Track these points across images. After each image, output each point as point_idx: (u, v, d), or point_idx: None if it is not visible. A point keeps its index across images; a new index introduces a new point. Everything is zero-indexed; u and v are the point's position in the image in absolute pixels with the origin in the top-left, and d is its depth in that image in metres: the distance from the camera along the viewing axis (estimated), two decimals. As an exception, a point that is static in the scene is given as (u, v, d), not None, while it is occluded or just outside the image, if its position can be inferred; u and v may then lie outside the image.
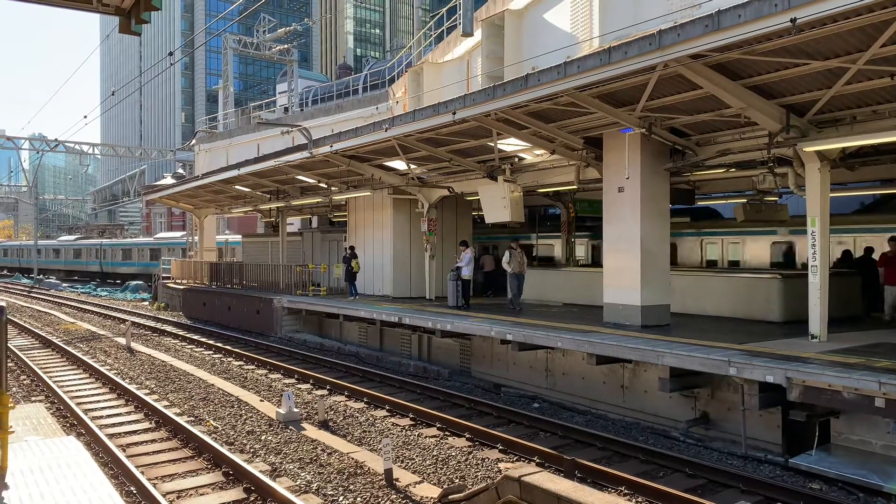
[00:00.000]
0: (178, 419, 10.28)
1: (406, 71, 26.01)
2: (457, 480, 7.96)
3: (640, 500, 7.37)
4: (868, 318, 13.61)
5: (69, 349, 17.62)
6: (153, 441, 9.64)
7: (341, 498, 7.44)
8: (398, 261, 20.03)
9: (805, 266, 11.77)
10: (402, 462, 8.66)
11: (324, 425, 10.42)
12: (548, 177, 15.67)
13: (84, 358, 16.14)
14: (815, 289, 10.06)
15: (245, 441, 9.62)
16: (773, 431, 9.18)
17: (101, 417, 10.89)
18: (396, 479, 7.87)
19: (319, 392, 13.05)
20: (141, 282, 43.40)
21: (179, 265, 32.96)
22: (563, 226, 21.28)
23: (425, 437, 9.93)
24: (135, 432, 10.09)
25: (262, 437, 9.79)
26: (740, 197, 16.96)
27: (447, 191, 18.33)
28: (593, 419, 11.08)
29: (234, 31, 72.59)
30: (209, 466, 8.48)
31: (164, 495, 7.32)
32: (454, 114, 12.38)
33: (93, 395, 12.71)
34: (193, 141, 46.09)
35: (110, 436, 9.60)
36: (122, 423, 10.58)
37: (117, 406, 11.82)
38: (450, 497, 6.81)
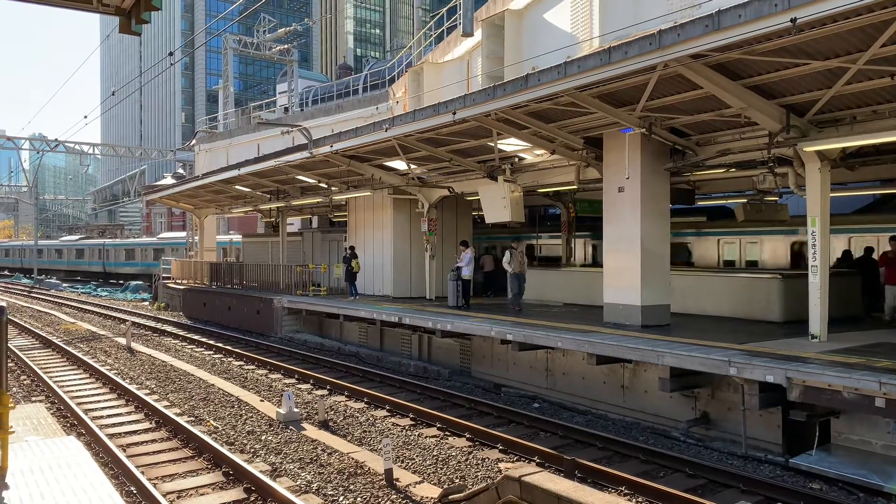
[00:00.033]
0: (178, 419, 10.28)
1: (406, 71, 26.01)
2: (457, 480, 7.96)
3: (640, 500, 7.37)
4: (868, 317, 13.61)
5: (69, 349, 17.62)
6: (153, 441, 9.64)
7: (341, 498, 7.44)
8: (398, 261, 20.03)
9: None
10: (403, 462, 8.67)
11: (324, 425, 10.42)
12: (548, 177, 15.68)
13: (84, 358, 16.15)
14: (815, 289, 10.06)
15: (245, 441, 9.62)
16: (773, 431, 9.18)
17: (101, 417, 10.90)
18: (397, 479, 7.87)
19: (320, 392, 13.06)
20: (141, 282, 43.39)
21: (179, 265, 32.97)
22: (564, 226, 21.28)
23: (425, 437, 9.93)
24: (135, 432, 10.09)
25: (263, 437, 9.79)
26: (740, 197, 16.96)
27: (447, 191, 18.33)
28: (593, 419, 11.08)
29: (235, 31, 72.58)
30: (209, 466, 8.48)
31: (164, 495, 7.32)
32: (454, 114, 12.38)
33: (93, 395, 12.71)
34: (193, 141, 46.08)
35: (110, 436, 9.60)
36: (122, 423, 10.58)
37: (117, 406, 11.83)
38: (450, 497, 6.81)
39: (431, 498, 7.31)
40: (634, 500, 7.37)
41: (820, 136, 10.19)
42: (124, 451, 8.90)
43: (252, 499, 7.40)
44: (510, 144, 14.67)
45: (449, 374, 14.81)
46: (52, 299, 36.53)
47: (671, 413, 10.55)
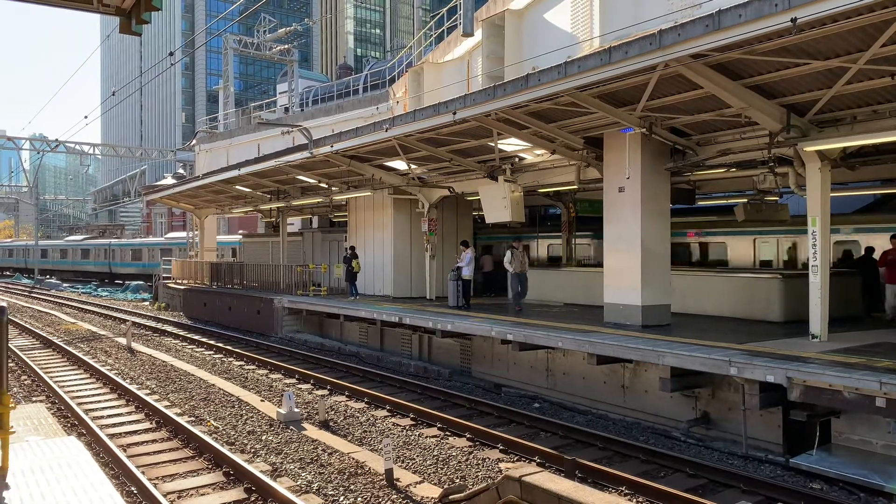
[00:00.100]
0: (178, 419, 10.28)
1: (406, 71, 26.01)
2: (457, 480, 7.96)
3: (640, 500, 7.37)
4: (868, 317, 13.61)
5: (70, 349, 17.63)
6: (154, 441, 9.64)
7: (342, 498, 7.44)
8: (399, 261, 20.04)
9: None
10: (403, 462, 8.67)
11: (324, 425, 10.42)
12: (548, 177, 15.68)
13: (85, 358, 16.15)
14: (815, 288, 10.05)
15: (246, 441, 9.62)
16: (773, 431, 9.17)
17: (101, 417, 10.90)
18: (397, 479, 7.87)
19: (320, 392, 13.06)
20: (142, 282, 43.35)
21: (180, 265, 32.97)
22: (564, 226, 21.28)
23: (426, 437, 9.93)
24: (135, 432, 10.09)
25: (263, 437, 9.79)
26: (741, 197, 16.94)
27: (448, 191, 18.33)
28: (594, 419, 11.08)
29: (235, 31, 72.56)
30: (210, 466, 8.48)
31: (164, 495, 7.33)
32: (454, 114, 12.38)
33: (94, 395, 12.72)
34: (194, 141, 46.10)
35: (111, 436, 9.61)
36: (122, 424, 10.58)
37: (118, 406, 11.83)
38: (450, 497, 6.81)
39: (432, 498, 7.31)
40: (635, 500, 7.37)
41: (820, 135, 10.19)
42: (125, 451, 8.90)
43: (252, 499, 7.40)
44: (510, 144, 14.67)
45: (449, 374, 14.81)
46: (52, 299, 36.54)
47: (672, 413, 10.54)
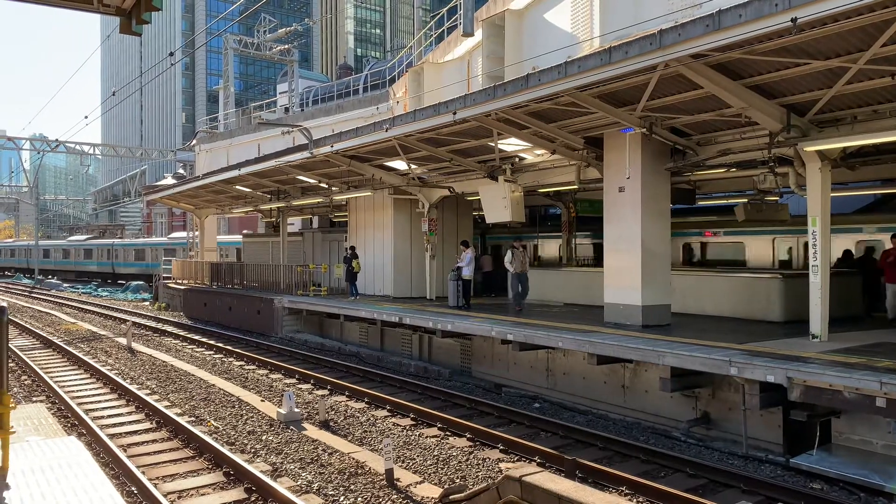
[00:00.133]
0: (178, 419, 10.28)
1: (406, 71, 26.01)
2: (458, 480, 7.96)
3: (641, 500, 7.37)
4: (869, 317, 13.60)
5: (70, 349, 17.63)
6: (154, 441, 9.64)
7: (342, 498, 7.44)
8: (399, 261, 20.04)
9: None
10: (403, 462, 8.67)
11: (325, 425, 10.42)
12: (548, 177, 15.68)
13: (85, 358, 16.15)
14: (815, 288, 10.05)
15: (246, 441, 9.62)
16: (773, 431, 9.17)
17: (102, 418, 10.90)
18: (397, 479, 7.87)
19: (320, 392, 13.06)
20: (142, 282, 43.29)
21: (180, 265, 32.98)
22: (564, 226, 21.28)
23: (426, 437, 9.93)
24: (136, 432, 10.10)
25: (263, 438, 9.79)
26: (741, 197, 16.93)
27: (448, 191, 18.33)
28: (594, 419, 11.08)
29: (235, 31, 72.57)
30: (210, 466, 8.48)
31: (165, 495, 7.33)
32: (455, 114, 12.38)
33: (94, 395, 12.72)
34: (194, 141, 46.11)
35: (111, 436, 9.61)
36: (123, 424, 10.58)
37: (118, 406, 11.83)
38: (451, 497, 6.81)
39: (432, 498, 7.31)
40: (635, 500, 7.37)
41: (820, 135, 10.19)
42: (125, 451, 8.90)
43: (253, 499, 7.40)
44: (511, 144, 14.67)
45: (449, 374, 14.81)
46: (52, 299, 36.55)
47: (672, 413, 10.54)
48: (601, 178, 13.28)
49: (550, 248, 23.22)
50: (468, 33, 19.93)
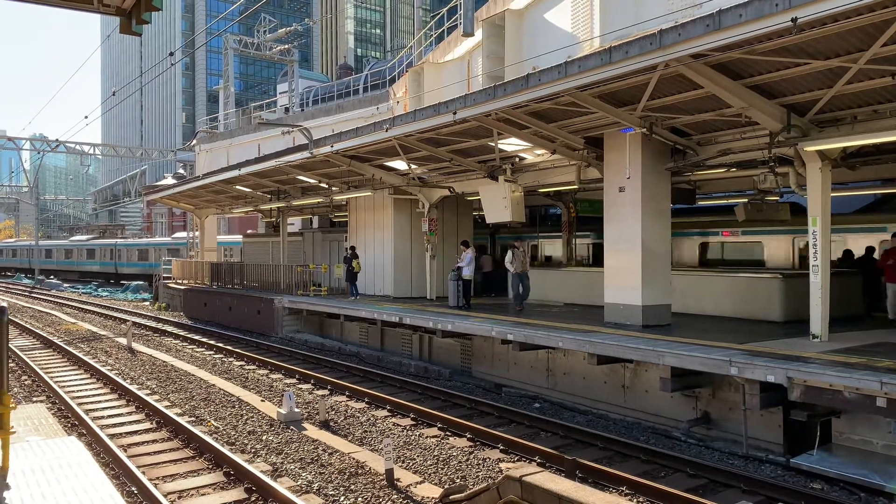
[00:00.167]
0: (179, 419, 10.28)
1: (407, 71, 26.02)
2: (458, 480, 7.96)
3: (641, 500, 7.37)
4: (869, 317, 13.60)
5: (70, 349, 17.64)
6: (154, 441, 9.64)
7: (342, 498, 7.44)
8: (399, 261, 20.04)
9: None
10: (404, 462, 8.67)
11: (325, 425, 10.42)
12: (549, 177, 15.67)
13: (85, 358, 16.16)
14: (816, 288, 10.05)
15: (246, 441, 9.62)
16: (774, 431, 9.17)
17: (102, 418, 10.90)
18: (397, 480, 7.87)
19: (320, 392, 13.06)
20: (142, 282, 43.24)
21: (180, 265, 32.98)
22: (564, 226, 21.27)
23: (426, 437, 9.93)
24: (136, 432, 10.10)
25: (264, 438, 9.79)
26: (741, 197, 16.92)
27: (448, 191, 18.33)
28: (594, 419, 11.08)
29: (235, 31, 72.57)
30: (210, 467, 8.49)
31: (165, 495, 7.33)
32: (455, 114, 12.38)
33: (94, 395, 12.72)
34: (194, 141, 46.10)
35: (111, 436, 9.61)
36: (123, 424, 10.58)
37: (118, 406, 11.83)
38: (451, 497, 6.81)
39: (432, 498, 7.31)
40: (635, 500, 7.37)
41: (821, 135, 10.19)
42: (125, 451, 8.90)
43: (253, 499, 7.41)
44: (511, 144, 14.67)
45: (450, 374, 14.81)
46: (52, 300, 36.55)
47: (672, 413, 10.54)
48: (601, 178, 13.28)
49: (557, 247, 23.05)
50: (468, 33, 19.93)
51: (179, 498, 7.47)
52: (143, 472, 8.00)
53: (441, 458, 8.81)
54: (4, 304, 6.33)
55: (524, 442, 9.23)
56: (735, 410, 9.50)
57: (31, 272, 57.42)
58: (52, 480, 6.24)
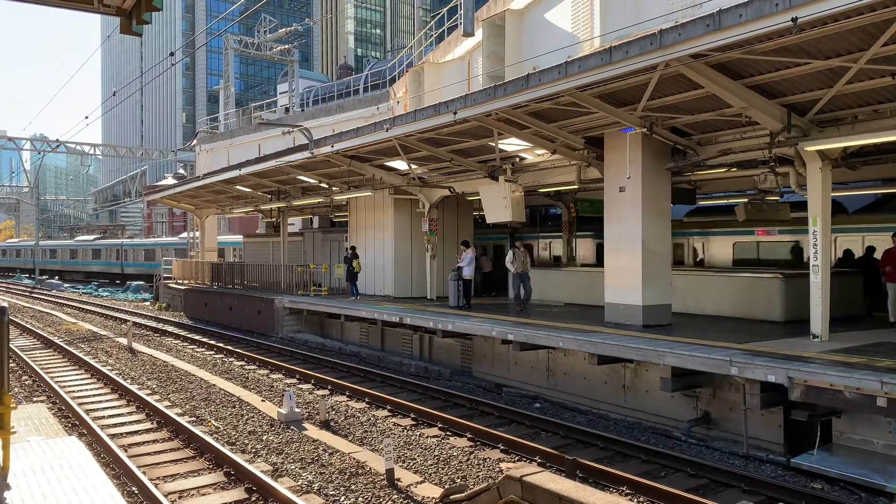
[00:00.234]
0: (179, 419, 10.28)
1: (407, 71, 26.02)
2: (458, 480, 7.96)
3: (641, 499, 7.37)
4: (870, 317, 13.59)
5: (71, 349, 17.64)
6: (155, 441, 9.65)
7: (343, 498, 7.44)
8: (399, 261, 20.04)
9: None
10: (404, 462, 8.67)
11: (325, 425, 10.42)
12: (549, 177, 15.67)
13: (86, 358, 16.16)
14: (816, 288, 10.05)
15: (247, 441, 9.63)
16: (774, 431, 9.17)
17: (102, 418, 10.90)
18: (398, 479, 7.87)
19: (321, 392, 13.06)
20: (142, 282, 43.18)
21: (181, 265, 32.99)
22: (565, 226, 21.28)
23: (427, 437, 9.93)
24: (136, 432, 10.10)
25: (264, 438, 9.79)
26: (741, 196, 16.91)
27: (448, 191, 18.33)
28: (595, 419, 11.08)
29: (235, 31, 72.58)
30: (211, 467, 8.49)
31: (165, 495, 7.33)
32: (455, 114, 12.38)
33: (94, 395, 12.72)
34: (194, 141, 46.12)
35: (112, 436, 9.61)
36: (123, 424, 10.59)
37: (119, 406, 11.83)
38: (451, 497, 6.81)
39: (433, 498, 7.31)
40: (636, 499, 7.37)
41: (821, 135, 10.19)
42: (126, 451, 8.90)
43: (253, 499, 7.41)
44: (511, 144, 14.67)
45: (450, 374, 14.81)
46: (53, 300, 36.56)
47: (672, 413, 10.54)
48: (602, 177, 13.28)
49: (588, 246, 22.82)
50: (468, 33, 19.94)
51: (180, 498, 7.47)
52: (144, 472, 8.00)
53: (441, 458, 8.81)
54: (5, 305, 6.33)
55: (525, 442, 9.23)
56: (735, 410, 9.50)
57: (38, 272, 56.87)
58: (53, 480, 6.25)
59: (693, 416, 10.26)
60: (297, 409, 10.82)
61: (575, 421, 10.77)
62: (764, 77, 9.56)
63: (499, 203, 15.33)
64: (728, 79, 9.61)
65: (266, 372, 15.30)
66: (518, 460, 8.84)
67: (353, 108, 33.63)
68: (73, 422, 10.63)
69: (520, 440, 9.31)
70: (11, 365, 15.06)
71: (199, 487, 7.77)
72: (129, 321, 24.17)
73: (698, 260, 18.71)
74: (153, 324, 24.48)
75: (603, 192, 13.27)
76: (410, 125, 13.90)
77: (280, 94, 54.66)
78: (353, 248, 20.59)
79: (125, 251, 49.45)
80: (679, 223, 18.87)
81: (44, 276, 52.86)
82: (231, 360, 16.95)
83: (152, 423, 10.57)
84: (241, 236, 38.09)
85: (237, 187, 24.74)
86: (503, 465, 8.45)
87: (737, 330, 11.79)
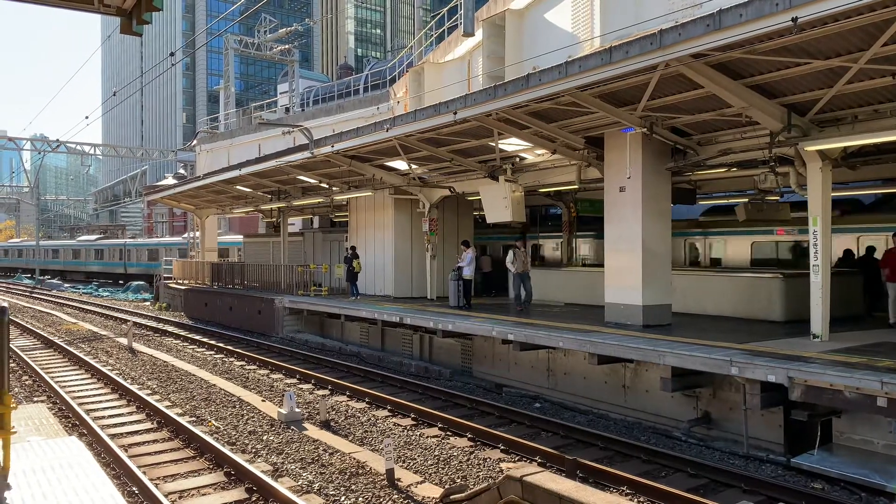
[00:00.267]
0: (179, 419, 10.29)
1: (407, 71, 26.03)
2: (458, 480, 7.96)
3: (641, 499, 7.37)
4: (870, 317, 13.59)
5: (71, 349, 17.64)
6: (155, 441, 9.65)
7: (343, 498, 7.45)
8: (399, 261, 20.04)
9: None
10: (404, 462, 8.67)
11: (325, 425, 10.43)
12: (549, 176, 15.67)
13: (86, 358, 16.16)
14: (816, 288, 10.05)
15: (247, 441, 9.63)
16: (774, 431, 9.17)
17: (103, 418, 10.91)
18: (398, 479, 7.87)
19: (321, 392, 13.06)
20: (143, 282, 43.14)
21: (181, 265, 33.01)
22: (565, 226, 21.28)
23: (427, 437, 9.93)
24: (137, 432, 10.10)
25: (264, 438, 9.80)
26: (741, 196, 16.90)
27: (448, 191, 18.33)
28: (595, 419, 11.08)
29: (236, 31, 72.58)
30: (211, 467, 8.49)
31: (166, 495, 7.33)
32: (455, 114, 12.38)
33: (95, 395, 12.73)
34: (195, 141, 46.14)
35: (112, 436, 9.61)
36: (124, 424, 10.59)
37: (119, 406, 11.84)
38: (451, 497, 6.81)
39: (433, 498, 7.31)
40: (636, 499, 7.37)
41: (821, 135, 10.18)
42: (126, 451, 8.91)
43: (254, 499, 7.41)
44: (511, 144, 14.67)
45: (450, 374, 14.81)
46: (53, 300, 36.57)
47: (673, 413, 10.54)
48: (602, 177, 13.28)
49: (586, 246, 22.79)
50: (469, 33, 19.95)
51: (180, 498, 7.47)
52: (144, 472, 8.00)
53: (442, 458, 8.81)
54: (5, 305, 6.33)
55: (525, 442, 9.24)
56: (736, 410, 9.50)
57: (41, 272, 56.51)
58: (53, 480, 6.25)
59: (693, 416, 10.26)
60: (297, 409, 10.83)
61: (575, 421, 10.77)
62: (764, 77, 9.56)
63: (499, 203, 15.33)
64: (728, 79, 9.61)
65: (266, 372, 15.30)
66: (518, 460, 8.84)
67: (353, 108, 33.65)
68: (73, 422, 10.63)
69: (520, 440, 9.31)
70: (12, 365, 15.07)
71: (199, 487, 7.78)
72: (129, 321, 24.18)
73: (714, 259, 18.48)
74: (153, 324, 24.48)
75: (603, 191, 13.26)
76: (410, 125, 13.90)
77: (280, 94, 54.65)
78: (353, 248, 20.59)
79: (129, 251, 49.13)
80: (696, 223, 18.77)
81: (44, 276, 52.74)
82: (231, 360, 16.96)
83: (152, 423, 10.58)
84: (238, 237, 38.11)
85: (237, 187, 24.74)
86: (503, 465, 8.45)
87: (737, 330, 11.79)
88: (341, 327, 19.99)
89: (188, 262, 32.65)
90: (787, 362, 8.47)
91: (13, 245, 72.61)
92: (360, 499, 7.40)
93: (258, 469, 8.05)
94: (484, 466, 8.51)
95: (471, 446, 9.44)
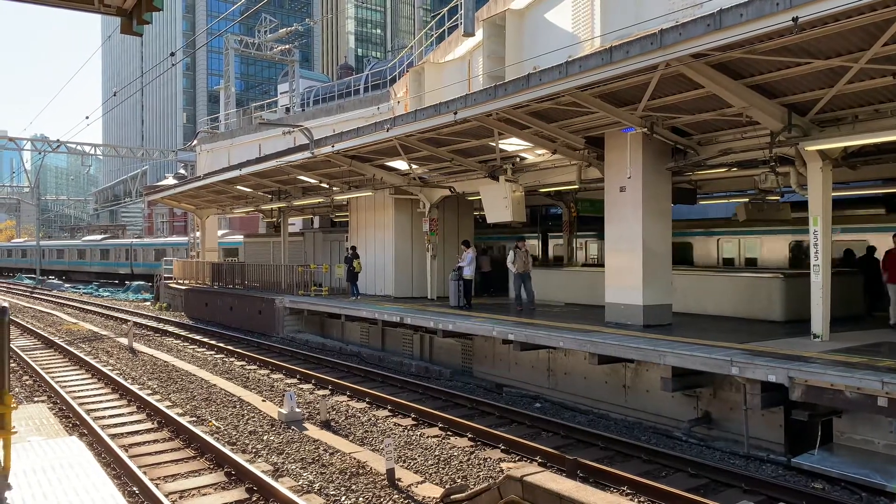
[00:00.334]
0: (180, 419, 10.29)
1: (407, 71, 26.02)
2: (459, 480, 7.96)
3: (642, 499, 7.37)
4: (870, 317, 13.59)
5: (71, 349, 17.64)
6: (155, 441, 9.65)
7: (343, 498, 7.45)
8: (400, 261, 20.04)
9: None
10: (404, 462, 8.67)
11: (326, 425, 10.43)
12: (549, 176, 15.67)
13: (86, 358, 16.17)
14: (817, 288, 10.05)
15: (247, 441, 9.63)
16: (775, 431, 9.17)
17: (103, 418, 10.91)
18: (398, 479, 7.87)
19: (321, 392, 13.06)
20: (143, 282, 43.10)
21: (181, 265, 33.02)
22: (565, 225, 21.28)
23: (427, 436, 9.93)
24: (137, 432, 10.10)
25: (265, 438, 9.80)
26: (742, 196, 16.91)
27: (449, 191, 18.33)
28: (595, 419, 11.08)
29: (236, 31, 72.56)
30: (211, 467, 8.49)
31: (166, 495, 7.33)
32: (455, 114, 12.38)
33: (95, 395, 12.73)
34: (195, 141, 46.12)
35: (113, 436, 9.62)
36: (124, 424, 10.59)
37: (120, 406, 11.84)
38: (452, 497, 6.81)
39: (433, 498, 7.31)
40: (636, 499, 7.37)
41: (821, 135, 10.18)
42: (126, 451, 8.91)
43: (254, 499, 7.41)
44: (511, 144, 14.67)
45: (451, 374, 14.81)
46: (53, 300, 36.58)
47: (673, 413, 10.54)
48: (602, 177, 13.28)
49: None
50: (469, 33, 19.95)
51: (181, 498, 7.48)
52: (145, 473, 8.00)
53: (442, 458, 8.81)
54: (6, 305, 6.33)
55: (525, 442, 9.24)
56: (736, 410, 9.50)
57: (43, 273, 56.11)
58: (54, 480, 6.25)
59: (694, 415, 10.26)
60: (297, 409, 10.83)
61: (575, 421, 10.77)
62: (764, 77, 9.56)
63: (499, 203, 15.33)
64: (728, 79, 9.61)
65: (267, 372, 15.30)
66: (519, 460, 8.84)
67: (353, 108, 33.63)
68: (73, 422, 10.64)
69: (520, 440, 9.31)
70: (12, 365, 15.07)
71: (199, 487, 7.78)
72: (129, 321, 24.18)
73: (749, 259, 18.06)
74: (154, 324, 24.49)
75: (603, 191, 13.26)
76: (411, 125, 13.90)
77: (280, 94, 54.62)
78: (353, 248, 20.58)
79: (135, 251, 48.66)
80: (729, 221, 18.18)
81: (44, 277, 52.69)
82: (232, 360, 16.96)
83: (153, 423, 10.58)
84: (238, 237, 37.98)
85: (238, 187, 24.74)
86: (504, 465, 8.45)
87: (737, 330, 11.79)
88: (342, 327, 19.99)
89: (189, 262, 32.66)
90: (788, 362, 8.47)
91: (17, 245, 72.46)
92: (361, 499, 7.40)
93: (258, 469, 8.05)
94: (484, 466, 8.51)
95: (471, 446, 9.44)
